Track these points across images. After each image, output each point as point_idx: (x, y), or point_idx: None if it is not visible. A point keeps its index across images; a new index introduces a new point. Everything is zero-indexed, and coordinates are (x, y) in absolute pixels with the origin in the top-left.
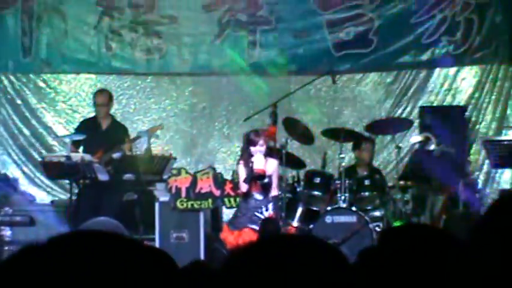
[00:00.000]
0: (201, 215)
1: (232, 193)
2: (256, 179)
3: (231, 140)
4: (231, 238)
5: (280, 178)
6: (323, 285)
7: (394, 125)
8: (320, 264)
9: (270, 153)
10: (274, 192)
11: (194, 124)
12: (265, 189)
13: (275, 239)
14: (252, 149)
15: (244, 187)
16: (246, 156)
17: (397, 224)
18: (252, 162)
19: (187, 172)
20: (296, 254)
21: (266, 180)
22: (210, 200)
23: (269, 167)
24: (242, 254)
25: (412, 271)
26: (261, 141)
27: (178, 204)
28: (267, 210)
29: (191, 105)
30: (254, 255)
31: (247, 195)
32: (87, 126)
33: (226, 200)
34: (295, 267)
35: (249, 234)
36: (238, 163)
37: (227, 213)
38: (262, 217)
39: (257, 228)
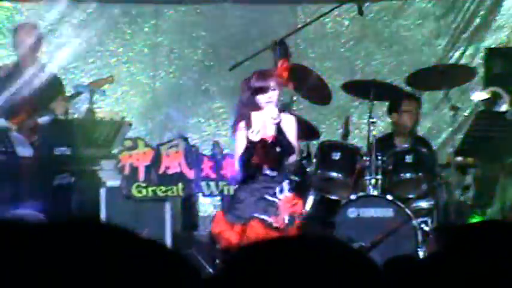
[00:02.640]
0: (168, 207)
1: (212, 175)
2: (265, 150)
3: (211, 98)
4: (230, 235)
5: None
6: None
7: (448, 76)
8: (340, 281)
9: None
10: (292, 158)
11: (157, 74)
12: (280, 159)
13: (271, 245)
14: (261, 98)
15: (238, 165)
16: (247, 113)
17: (456, 219)
18: (256, 125)
19: (147, 144)
20: (305, 267)
21: (278, 149)
22: (180, 185)
23: (285, 125)
24: (230, 265)
25: None
26: (271, 84)
27: (134, 190)
28: (281, 191)
29: (153, 47)
30: (244, 269)
31: (254, 171)
32: (3, 77)
33: (204, 184)
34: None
35: (256, 229)
36: (235, 127)
37: (205, 204)
38: (277, 201)
39: (268, 219)
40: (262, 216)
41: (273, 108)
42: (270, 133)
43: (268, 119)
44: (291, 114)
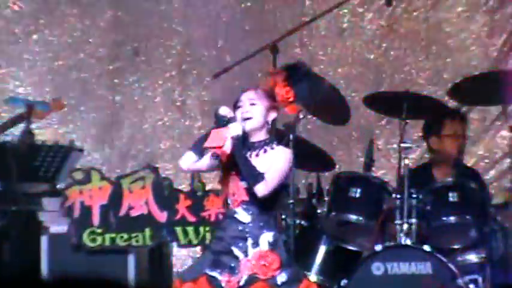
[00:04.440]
0: (131, 260)
1: (191, 218)
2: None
3: (189, 115)
4: None
5: (285, 188)
6: None
7: (505, 87)
8: None
9: (279, 135)
10: (259, 189)
11: (117, 84)
12: (255, 201)
13: None
14: (237, 114)
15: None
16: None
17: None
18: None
19: (103, 177)
20: None
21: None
22: (147, 231)
23: (270, 158)
24: None
25: None
26: (250, 96)
27: (86, 239)
28: (255, 245)
29: (111, 47)
30: None
31: (226, 212)
32: None
33: (179, 230)
34: None
35: None
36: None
37: (181, 257)
38: (242, 257)
39: (219, 277)
40: (213, 273)
41: (236, 125)
42: (226, 151)
43: (228, 135)
44: (296, 138)
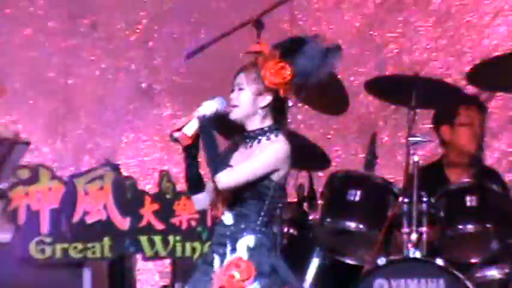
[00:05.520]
0: (87, 275)
1: (159, 225)
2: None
3: (157, 102)
4: None
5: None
6: None
7: None
8: None
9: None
10: (218, 178)
11: (72, 64)
12: (240, 199)
13: None
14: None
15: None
16: None
17: None
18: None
19: (54, 176)
20: None
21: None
22: (106, 241)
23: (254, 149)
24: None
25: None
26: (238, 80)
27: (33, 250)
28: (234, 251)
29: (63, 20)
30: None
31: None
32: None
33: (144, 240)
34: None
35: None
36: None
37: (146, 272)
38: (216, 267)
39: None
40: None
41: (209, 103)
42: (186, 133)
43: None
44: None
